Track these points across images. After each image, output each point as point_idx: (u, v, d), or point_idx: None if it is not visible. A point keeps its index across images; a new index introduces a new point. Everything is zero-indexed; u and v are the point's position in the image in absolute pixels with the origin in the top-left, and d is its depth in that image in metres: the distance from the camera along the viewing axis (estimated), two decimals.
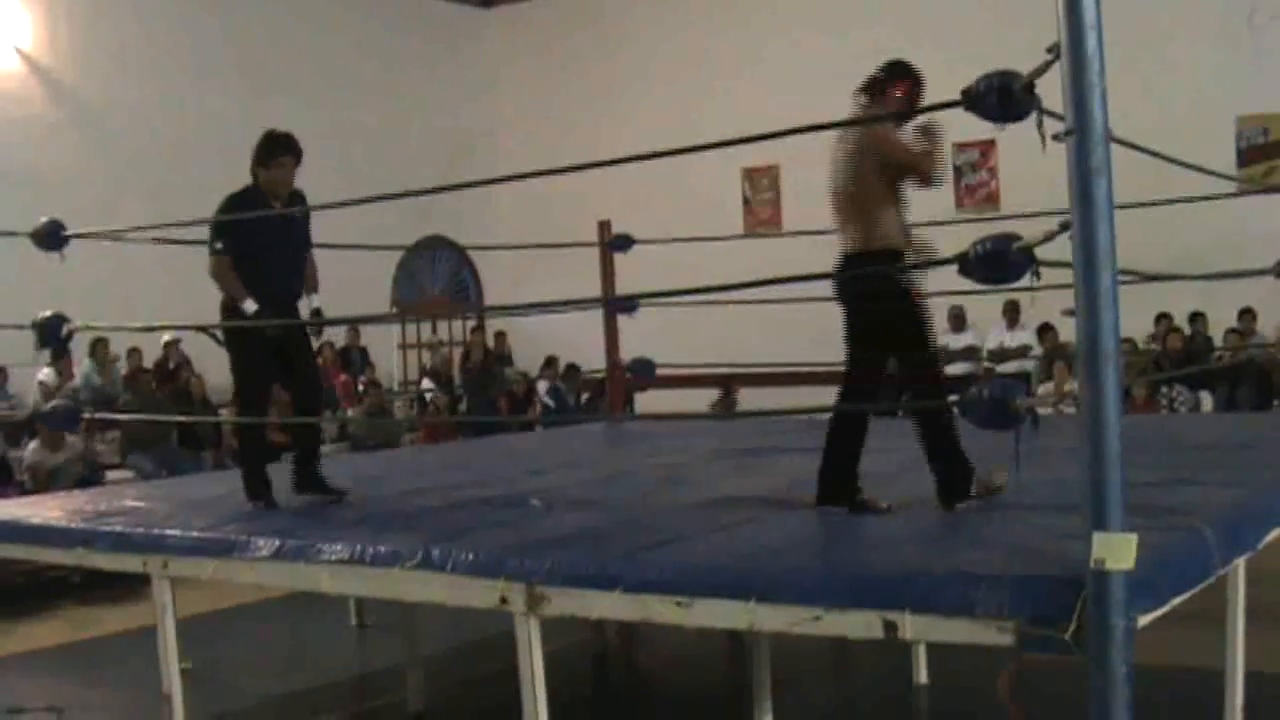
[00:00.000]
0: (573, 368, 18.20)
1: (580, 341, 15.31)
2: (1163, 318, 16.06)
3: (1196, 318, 16.16)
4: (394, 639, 8.86)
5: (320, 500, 7.01)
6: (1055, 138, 3.94)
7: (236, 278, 6.97)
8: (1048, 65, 4.00)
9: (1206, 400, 15.56)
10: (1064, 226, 3.93)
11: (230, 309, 7.10)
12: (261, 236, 7.01)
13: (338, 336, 19.06)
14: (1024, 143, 4.42)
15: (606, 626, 9.50)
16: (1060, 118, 3.92)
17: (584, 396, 18.70)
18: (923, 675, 8.05)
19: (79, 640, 10.58)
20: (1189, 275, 8.81)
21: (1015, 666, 7.48)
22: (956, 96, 4.48)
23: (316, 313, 7.41)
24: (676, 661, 9.18)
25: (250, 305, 6.90)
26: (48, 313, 8.13)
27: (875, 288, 5.73)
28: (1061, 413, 8.88)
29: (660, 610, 4.62)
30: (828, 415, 6.19)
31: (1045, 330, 15.90)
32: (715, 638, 8.46)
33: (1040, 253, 4.33)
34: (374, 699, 9.00)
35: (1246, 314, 15.71)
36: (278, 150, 7.20)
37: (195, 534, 6.28)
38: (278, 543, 5.90)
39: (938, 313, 16.23)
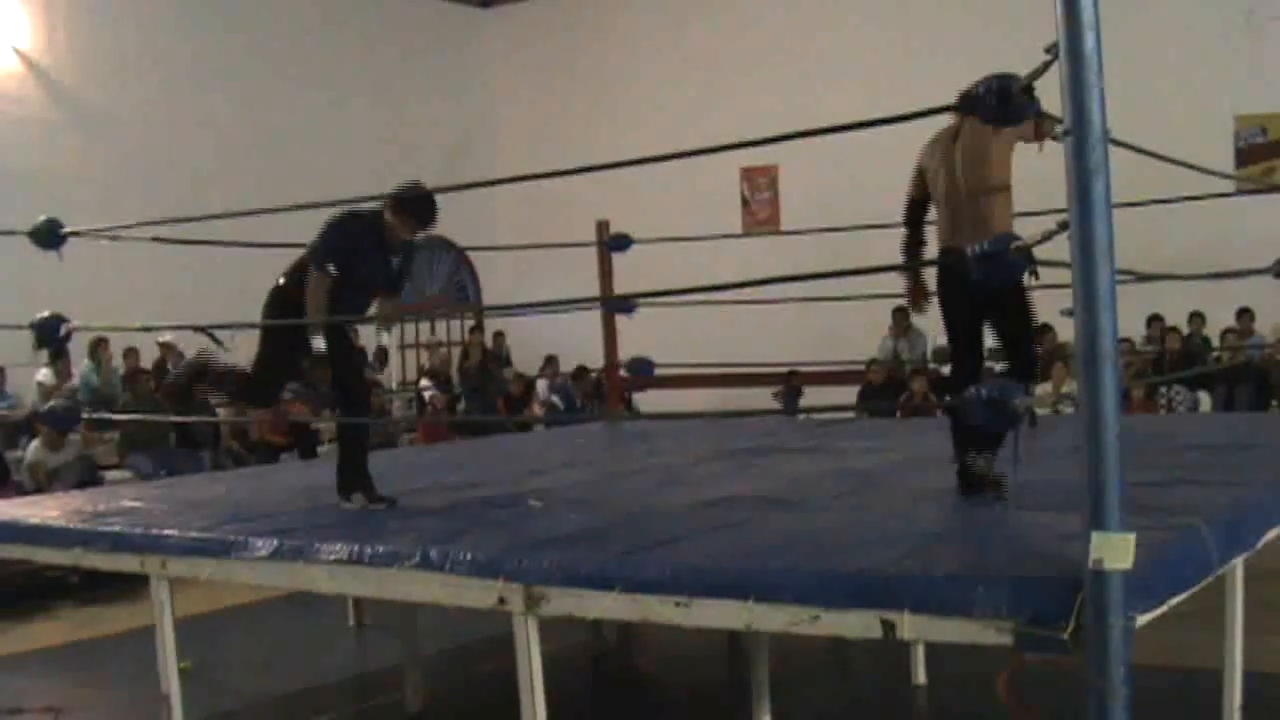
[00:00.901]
0: (583, 369, 18.19)
1: (579, 341, 15.32)
2: (1155, 320, 16.05)
3: (1195, 318, 16.14)
4: (392, 639, 8.86)
5: (367, 507, 6.72)
6: (1054, 138, 3.94)
7: (326, 303, 6.66)
8: (1046, 66, 4.00)
9: (1204, 400, 15.56)
10: (1062, 226, 3.94)
11: (281, 302, 6.91)
12: (364, 270, 6.76)
13: None
14: (1021, 143, 4.44)
15: (605, 627, 9.49)
16: (1059, 119, 3.92)
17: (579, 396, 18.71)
18: (921, 676, 8.05)
19: (77, 640, 10.57)
20: (1187, 275, 8.80)
21: (1014, 666, 7.48)
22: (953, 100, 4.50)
23: (381, 352, 7.10)
24: (675, 662, 9.18)
25: (320, 344, 6.63)
26: (45, 313, 8.12)
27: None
28: (1060, 412, 8.89)
29: (658, 610, 4.62)
30: (826, 415, 6.20)
31: (1044, 330, 15.86)
32: (713, 638, 8.45)
33: (1039, 252, 4.34)
34: (372, 699, 8.99)
35: (1244, 314, 15.71)
36: (424, 214, 6.81)
37: (193, 534, 6.28)
38: (276, 543, 5.89)
39: (935, 312, 16.28)
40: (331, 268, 6.62)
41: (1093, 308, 3.79)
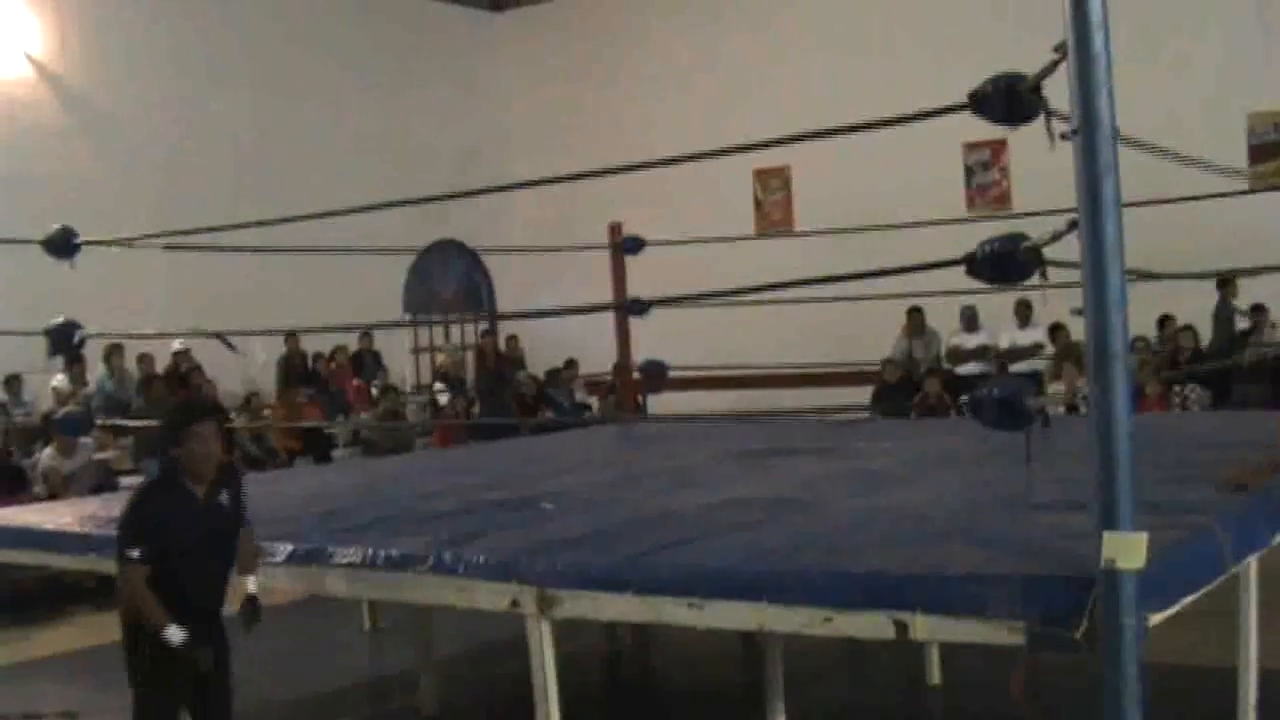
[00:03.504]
0: (597, 382, 18.20)
1: (593, 344, 15.34)
2: (1166, 320, 15.98)
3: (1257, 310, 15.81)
4: (407, 642, 8.88)
5: None
6: (1063, 137, 3.94)
7: (151, 595, 5.44)
8: (1055, 65, 4.00)
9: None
10: (1072, 225, 3.93)
11: (137, 637, 5.60)
12: (181, 535, 5.48)
13: (350, 341, 19.11)
14: (1036, 142, 4.43)
15: (618, 628, 9.50)
16: (1067, 118, 3.92)
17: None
18: (935, 676, 8.04)
19: (94, 646, 10.57)
20: (1200, 274, 8.80)
21: (1027, 666, 7.47)
22: (964, 99, 4.49)
23: (251, 602, 5.75)
24: (688, 663, 9.18)
25: (176, 634, 5.37)
26: (60, 320, 8.15)
27: None
28: (1079, 411, 8.87)
29: (672, 612, 4.63)
30: (840, 416, 6.20)
31: (1056, 329, 15.85)
32: (727, 639, 8.45)
33: (1052, 251, 4.33)
34: (387, 702, 9.02)
35: (1258, 310, 15.63)
36: (190, 417, 5.61)
37: None
38: (291, 547, 5.92)
39: (949, 312, 16.33)
40: (135, 553, 5.46)
41: (1103, 307, 3.79)
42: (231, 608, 5.78)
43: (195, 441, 5.50)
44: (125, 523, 5.56)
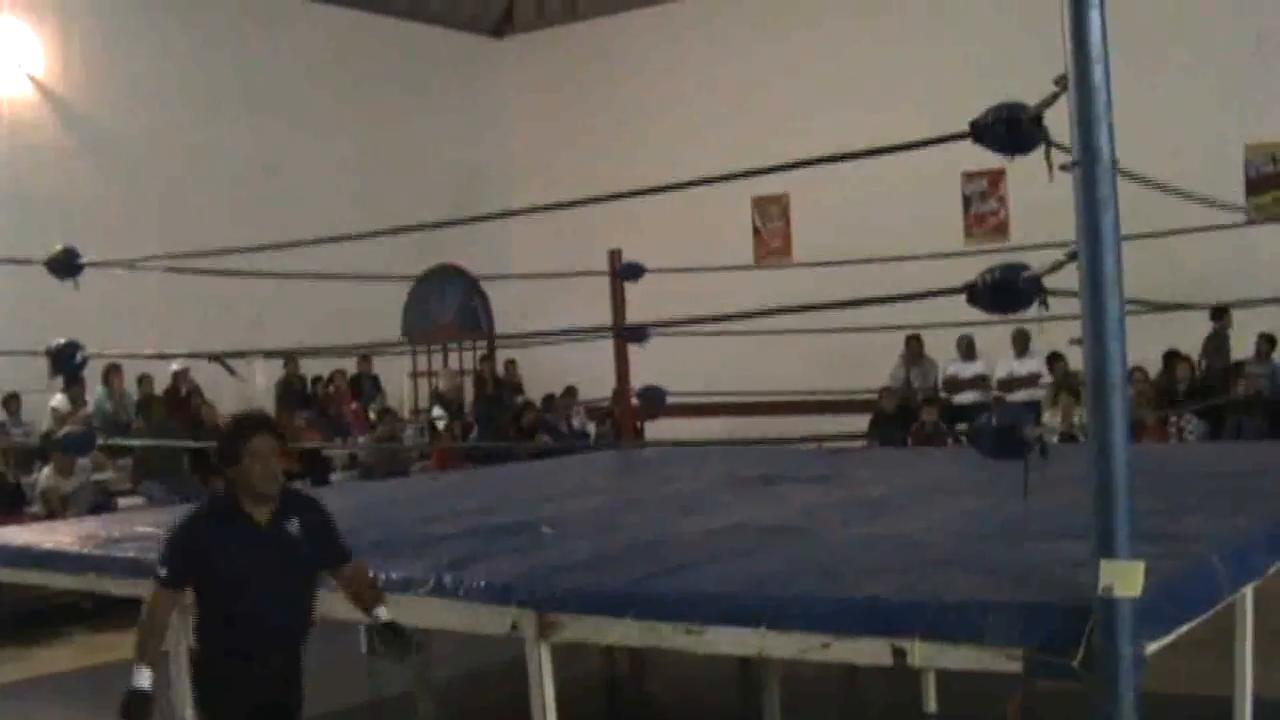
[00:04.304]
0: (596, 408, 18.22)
1: (591, 370, 15.36)
2: (1172, 356, 15.95)
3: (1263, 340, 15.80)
4: (405, 666, 8.88)
5: None
6: (1062, 168, 3.98)
7: (160, 623, 5.05)
8: (1055, 97, 4.04)
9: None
10: (1071, 256, 3.97)
11: (201, 666, 5.26)
12: (235, 566, 4.97)
13: (348, 365, 19.13)
14: (1034, 172, 4.47)
15: (616, 653, 9.51)
16: (1067, 149, 3.96)
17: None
18: (932, 703, 8.05)
19: (91, 666, 10.59)
20: (1196, 305, 8.84)
21: (1023, 694, 7.48)
22: (965, 128, 4.53)
23: (391, 630, 5.12)
24: (686, 688, 9.19)
25: (141, 678, 4.93)
26: (61, 340, 8.18)
27: None
28: (1077, 440, 8.90)
29: (671, 636, 4.64)
30: (836, 443, 6.23)
31: (1055, 359, 15.85)
32: (724, 666, 8.46)
33: (1050, 281, 4.37)
34: None
35: (1264, 339, 15.62)
36: (246, 432, 5.13)
37: None
38: None
39: (948, 341, 16.36)
40: (165, 571, 5.04)
41: (1101, 337, 3.83)
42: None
43: (253, 458, 5.02)
44: (167, 541, 5.14)
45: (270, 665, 5.09)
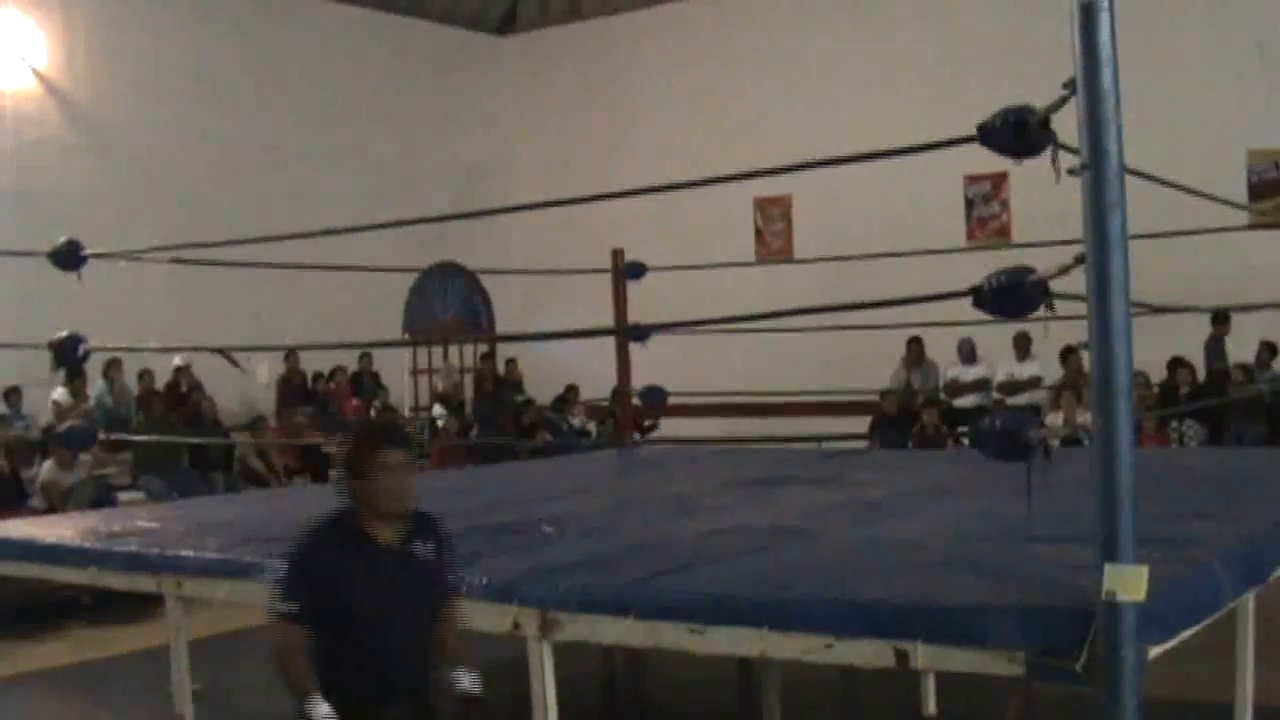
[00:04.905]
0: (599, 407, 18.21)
1: (592, 369, 15.36)
2: (1177, 362, 15.92)
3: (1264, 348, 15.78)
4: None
5: None
6: (1071, 172, 3.98)
7: (301, 659, 4.34)
8: (1064, 100, 4.03)
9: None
10: (1079, 260, 3.96)
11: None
12: (361, 593, 4.37)
13: (349, 361, 19.13)
14: (1037, 175, 4.47)
15: (616, 653, 9.50)
16: (1075, 152, 3.95)
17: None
18: (931, 706, 8.05)
19: (89, 661, 10.59)
20: (1202, 308, 8.83)
21: (1023, 697, 7.48)
22: (968, 131, 4.53)
23: (466, 704, 4.60)
24: (685, 689, 9.18)
25: (320, 710, 4.26)
26: (64, 333, 8.18)
27: None
28: (1081, 444, 8.89)
29: (674, 637, 4.64)
30: (837, 443, 6.23)
31: (1068, 353, 15.60)
32: (723, 665, 8.45)
33: (1054, 284, 4.37)
34: None
35: (1265, 347, 15.61)
36: (377, 443, 4.52)
37: (210, 555, 6.30)
38: None
39: (948, 344, 16.35)
40: (290, 607, 4.35)
41: (1108, 341, 3.83)
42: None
43: (384, 474, 4.37)
44: (285, 571, 4.42)
45: (404, 712, 4.46)
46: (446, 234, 18.95)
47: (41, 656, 10.83)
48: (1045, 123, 4.27)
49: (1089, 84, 3.85)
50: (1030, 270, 4.34)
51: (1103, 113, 3.83)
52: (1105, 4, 3.83)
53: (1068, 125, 4.05)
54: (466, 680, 4.53)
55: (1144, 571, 3.74)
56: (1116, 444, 3.82)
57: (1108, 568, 3.76)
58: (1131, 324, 3.84)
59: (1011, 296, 4.37)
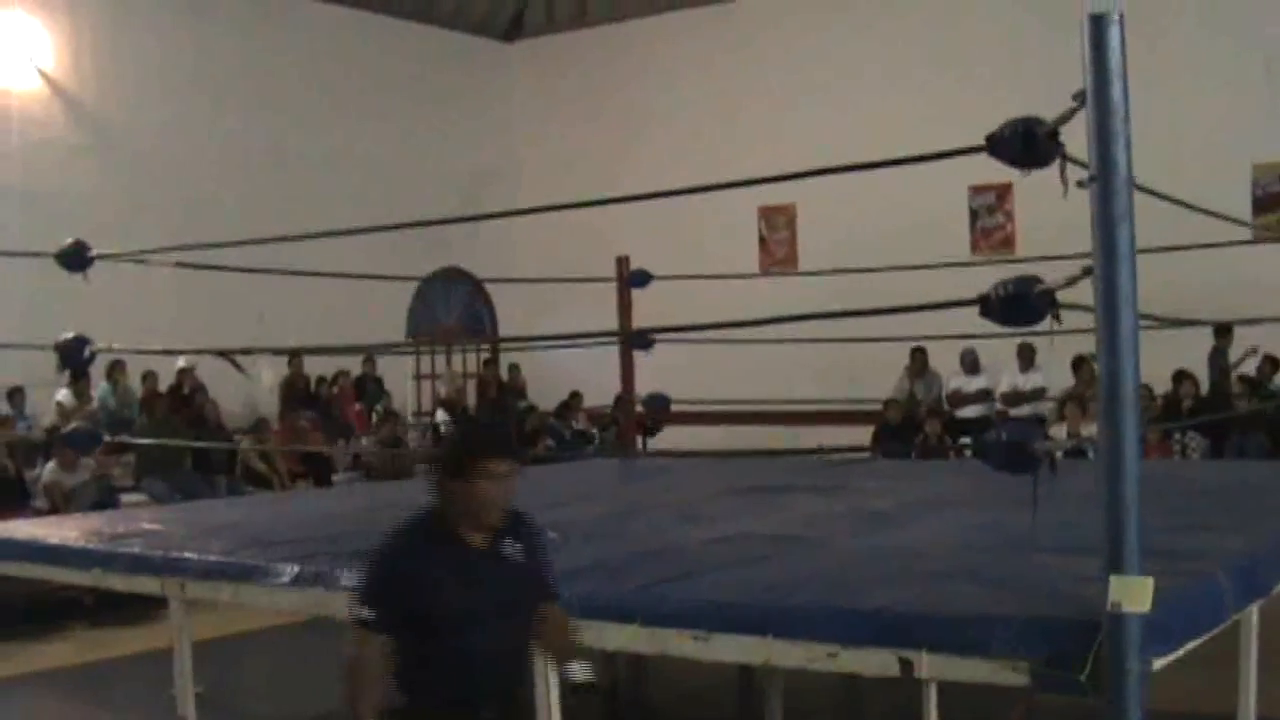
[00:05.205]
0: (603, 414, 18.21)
1: (596, 376, 15.35)
2: (1182, 374, 15.88)
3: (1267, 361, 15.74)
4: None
5: None
6: (1079, 184, 3.98)
7: (372, 675, 4.08)
8: (1073, 112, 4.04)
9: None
10: (1086, 271, 3.97)
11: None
12: (449, 597, 4.12)
13: (353, 366, 19.14)
14: (1042, 187, 4.48)
15: (619, 660, 9.49)
16: (1083, 164, 3.96)
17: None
18: (933, 715, 8.02)
19: (90, 662, 10.59)
20: (1207, 320, 8.83)
21: (1024, 707, 7.47)
22: (974, 141, 4.53)
23: (584, 690, 4.67)
24: (689, 696, 9.17)
25: None
26: (70, 334, 8.18)
27: None
28: (1086, 455, 8.89)
29: (678, 644, 4.65)
30: (843, 453, 6.23)
31: (1080, 363, 15.47)
32: (725, 673, 8.45)
33: (1060, 295, 4.37)
34: None
35: (1269, 361, 15.58)
36: (487, 450, 4.19)
37: (214, 558, 6.31)
38: (297, 569, 5.92)
39: (950, 354, 16.35)
40: (371, 614, 4.10)
41: (1115, 352, 3.84)
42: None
43: (488, 482, 4.11)
44: (366, 575, 4.20)
45: (493, 714, 4.26)
46: (451, 239, 18.96)
47: (44, 657, 10.82)
48: (1054, 134, 4.28)
49: (1098, 96, 3.86)
50: (1037, 280, 4.35)
51: (1112, 125, 3.84)
52: (1115, 16, 3.84)
53: (1073, 137, 4.05)
54: (577, 670, 4.55)
55: (1149, 583, 3.75)
56: (1123, 455, 3.83)
57: (1113, 579, 3.77)
58: (1139, 336, 3.85)
59: (1018, 306, 4.37)
